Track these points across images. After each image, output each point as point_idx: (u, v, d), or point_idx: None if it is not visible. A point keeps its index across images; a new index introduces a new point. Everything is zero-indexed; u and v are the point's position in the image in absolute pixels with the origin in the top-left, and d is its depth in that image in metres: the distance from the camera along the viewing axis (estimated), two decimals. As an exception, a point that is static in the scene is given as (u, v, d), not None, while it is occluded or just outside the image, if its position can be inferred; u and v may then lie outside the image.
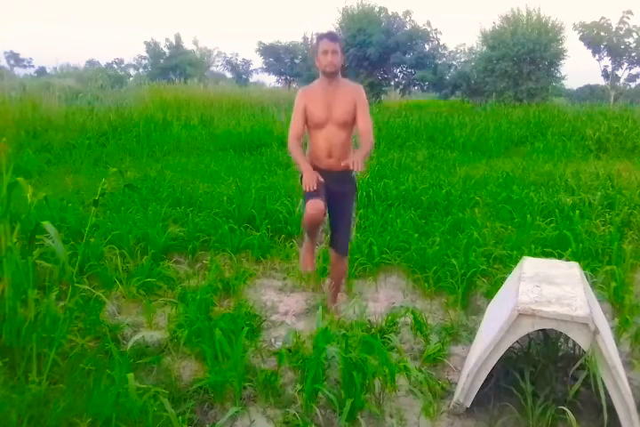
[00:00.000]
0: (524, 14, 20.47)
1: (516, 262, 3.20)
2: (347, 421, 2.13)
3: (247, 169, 7.60)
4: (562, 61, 20.59)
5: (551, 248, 4.01)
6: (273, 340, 2.94)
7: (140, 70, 36.20)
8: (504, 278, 3.15)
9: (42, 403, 2.03)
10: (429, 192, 5.73)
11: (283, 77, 29.93)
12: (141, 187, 5.96)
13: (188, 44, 33.50)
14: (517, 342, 2.31)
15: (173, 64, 31.46)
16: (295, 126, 3.05)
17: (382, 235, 4.38)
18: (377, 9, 22.84)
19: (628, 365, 2.65)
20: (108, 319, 3.03)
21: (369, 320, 3.05)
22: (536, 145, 10.16)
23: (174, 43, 32.60)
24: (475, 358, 2.26)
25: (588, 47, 22.01)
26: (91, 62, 45.84)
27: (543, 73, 20.22)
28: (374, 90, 21.88)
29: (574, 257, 3.67)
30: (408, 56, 22.47)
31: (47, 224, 2.28)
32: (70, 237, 4.04)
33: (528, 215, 4.77)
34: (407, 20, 23.33)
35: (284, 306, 3.46)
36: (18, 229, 2.50)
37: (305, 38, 28.26)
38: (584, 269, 3.13)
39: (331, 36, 3.00)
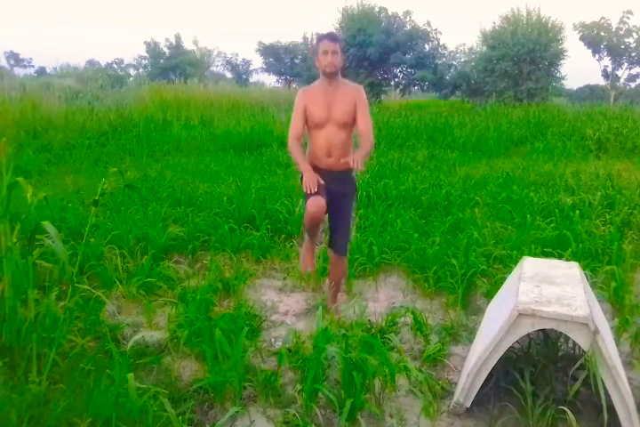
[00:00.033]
0: (524, 14, 20.49)
1: (515, 262, 3.20)
2: (347, 421, 2.13)
3: (247, 169, 7.60)
4: (562, 61, 20.62)
5: (551, 248, 4.01)
6: (273, 340, 2.94)
7: (140, 70, 36.23)
8: (504, 278, 3.15)
9: (42, 403, 2.03)
10: (429, 192, 5.73)
11: (283, 77, 29.94)
12: (141, 187, 5.96)
13: (188, 44, 33.56)
14: (517, 342, 2.31)
15: (173, 64, 31.47)
16: (295, 126, 3.05)
17: (382, 235, 4.38)
18: (377, 9, 22.86)
19: (627, 365, 2.65)
20: (108, 319, 3.03)
21: (369, 320, 3.05)
22: (536, 145, 10.16)
23: (174, 43, 32.61)
24: (475, 358, 2.26)
25: (588, 47, 22.02)
26: (91, 62, 45.90)
27: (543, 73, 20.23)
28: (374, 90, 21.88)
29: (574, 257, 3.67)
30: (408, 56, 22.48)
31: (47, 224, 2.28)
32: (70, 237, 4.04)
33: (528, 215, 4.77)
34: (407, 20, 23.36)
35: (284, 306, 3.46)
36: (18, 229, 2.50)
37: (305, 38, 28.31)
38: (584, 269, 3.13)
39: (331, 37, 3.00)
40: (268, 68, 29.78)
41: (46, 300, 2.50)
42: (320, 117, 3.00)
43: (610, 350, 2.08)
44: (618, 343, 2.76)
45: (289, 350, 2.65)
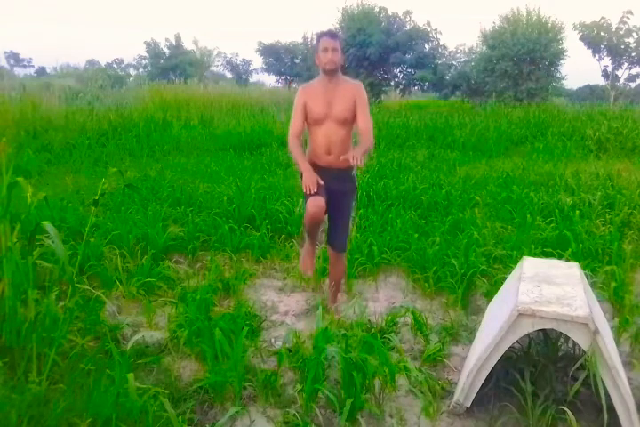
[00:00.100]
0: (524, 14, 20.48)
1: (515, 262, 3.20)
2: (347, 421, 2.13)
3: (247, 169, 7.60)
4: (562, 61, 20.61)
5: (551, 248, 4.01)
6: (273, 340, 2.94)
7: (140, 70, 36.18)
8: (504, 278, 3.15)
9: (42, 403, 2.03)
10: (429, 192, 5.73)
11: (283, 77, 29.93)
12: (141, 187, 5.96)
13: (188, 44, 33.51)
14: (517, 342, 2.31)
15: (173, 64, 31.44)
16: (295, 123, 3.05)
17: (382, 235, 4.38)
18: (377, 9, 22.85)
19: (628, 365, 2.65)
20: (108, 319, 3.02)
21: (369, 320, 3.05)
22: (536, 145, 10.16)
23: (174, 43, 32.58)
24: (475, 358, 2.26)
25: (588, 47, 21.98)
26: (91, 62, 45.81)
27: (543, 73, 20.22)
28: (374, 90, 21.88)
29: (574, 257, 3.67)
30: (408, 56, 22.47)
31: (47, 224, 2.28)
32: (70, 237, 4.04)
33: (528, 215, 4.77)
34: (407, 20, 23.35)
35: (283, 306, 3.46)
36: (18, 229, 2.50)
37: (305, 38, 28.29)
38: (584, 269, 3.13)
39: (331, 34, 3.01)
40: (268, 68, 29.77)
41: (46, 300, 2.50)
42: (319, 114, 2.99)
43: (610, 350, 2.08)
44: (618, 343, 2.76)
45: (289, 350, 2.65)
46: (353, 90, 3.02)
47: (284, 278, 3.92)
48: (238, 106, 16.52)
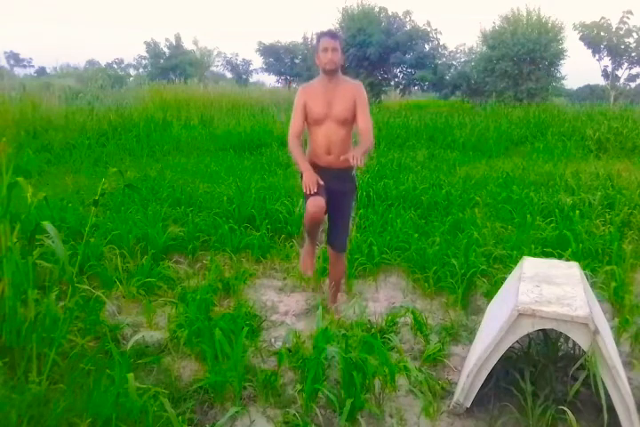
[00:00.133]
0: (524, 14, 20.48)
1: (515, 262, 3.20)
2: (347, 421, 2.13)
3: (247, 169, 7.60)
4: (562, 61, 20.61)
5: (551, 248, 4.01)
6: (273, 340, 2.94)
7: (140, 70, 36.17)
8: (504, 278, 3.15)
9: (42, 403, 2.03)
10: (429, 192, 5.73)
11: (283, 77, 29.93)
12: (141, 187, 5.96)
13: (188, 44, 33.51)
14: (517, 342, 2.31)
15: (173, 64, 31.44)
16: (295, 123, 3.05)
17: (382, 235, 4.38)
18: (377, 9, 22.84)
19: (628, 365, 2.65)
20: (108, 319, 3.02)
21: (369, 320, 3.05)
22: (536, 145, 10.16)
23: (174, 43, 32.58)
24: (475, 358, 2.26)
25: (588, 47, 21.98)
26: (91, 62, 45.80)
27: (543, 73, 20.22)
28: (374, 90, 21.88)
29: (574, 257, 3.67)
30: (408, 56, 22.47)
31: (47, 224, 2.28)
32: (70, 237, 4.04)
33: (528, 215, 4.77)
34: (407, 20, 23.35)
35: (283, 306, 3.46)
36: (18, 229, 2.50)
37: (305, 38, 28.29)
38: (584, 269, 3.13)
39: (331, 34, 3.01)
40: (268, 68, 29.76)
41: (46, 300, 2.50)
42: (319, 114, 2.99)
43: (610, 350, 2.08)
44: (618, 343, 2.76)
45: (289, 350, 2.65)
46: (353, 90, 3.01)
47: (284, 278, 3.92)
48: (238, 106, 16.52)
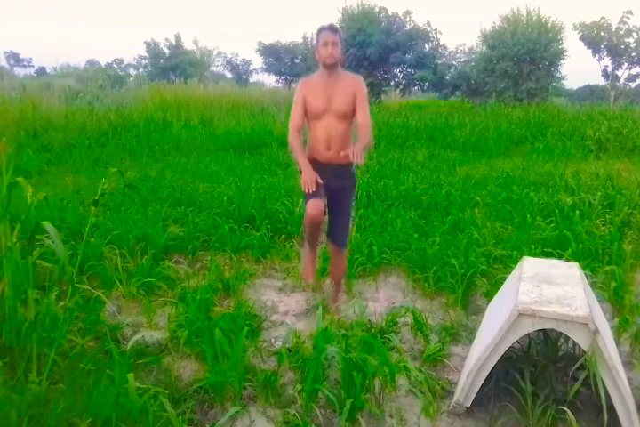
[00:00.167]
0: (524, 14, 20.49)
1: (515, 262, 3.20)
2: (347, 421, 2.13)
3: (247, 169, 7.60)
4: (562, 61, 20.62)
5: (551, 248, 4.01)
6: (273, 340, 2.94)
7: (140, 70, 36.16)
8: (504, 278, 3.15)
9: (42, 403, 2.03)
10: (429, 192, 5.73)
11: (283, 77, 29.92)
12: (141, 187, 5.96)
13: (188, 44, 33.50)
14: (517, 342, 2.31)
15: (173, 64, 31.44)
16: (295, 117, 3.05)
17: (382, 235, 4.38)
18: (377, 9, 22.86)
19: (628, 365, 2.65)
20: (108, 319, 3.02)
21: (369, 320, 3.05)
22: (536, 145, 10.16)
23: (174, 43, 32.58)
24: (475, 358, 2.26)
25: (588, 47, 21.98)
26: (91, 62, 45.79)
27: (543, 73, 20.23)
28: (374, 90, 21.87)
29: (574, 257, 3.67)
30: (408, 56, 22.48)
31: (47, 224, 2.28)
32: (70, 237, 4.04)
33: (528, 215, 4.77)
34: (407, 20, 23.36)
35: (283, 306, 3.46)
36: (18, 229, 2.50)
37: (305, 38, 28.26)
38: (584, 269, 3.13)
39: (331, 28, 3.00)
40: (268, 68, 29.76)
41: (46, 300, 2.50)
42: (319, 108, 2.99)
43: (610, 350, 2.08)
44: (618, 343, 2.76)
45: (289, 350, 2.65)
46: (353, 84, 3.01)
47: (284, 278, 3.92)
48: (238, 106, 16.52)
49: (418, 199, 5.51)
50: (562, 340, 2.63)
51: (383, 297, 3.62)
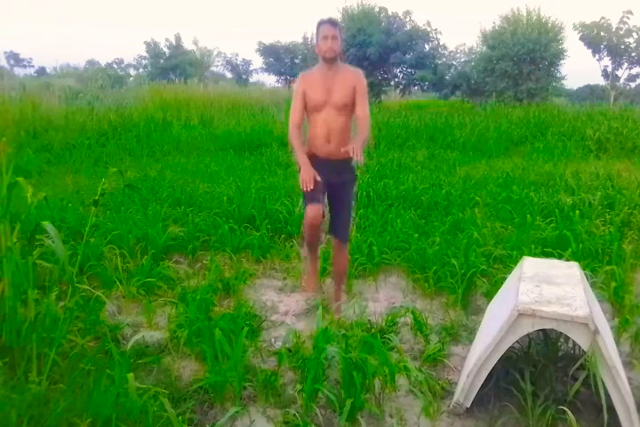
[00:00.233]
0: (524, 14, 20.46)
1: (515, 262, 3.20)
2: (347, 421, 2.13)
3: (247, 169, 7.60)
4: (562, 61, 20.59)
5: (551, 248, 4.01)
6: (273, 340, 2.94)
7: (140, 70, 36.13)
8: (504, 278, 3.15)
9: (42, 403, 2.03)
10: (429, 192, 5.73)
11: (283, 77, 29.89)
12: (141, 187, 5.96)
13: (188, 44, 33.46)
14: (517, 342, 2.31)
15: (173, 64, 31.42)
16: (295, 112, 3.05)
17: (382, 235, 4.38)
18: (377, 9, 22.84)
19: (628, 365, 2.65)
20: (108, 319, 3.02)
21: (369, 320, 3.05)
22: (536, 145, 10.16)
23: (174, 43, 32.56)
24: (475, 358, 2.26)
25: (588, 47, 21.97)
26: (91, 62, 45.72)
27: (543, 73, 20.22)
28: (374, 90, 21.84)
29: (574, 257, 3.67)
30: (408, 56, 22.47)
31: (47, 224, 2.28)
32: (70, 237, 4.03)
33: (528, 215, 4.77)
34: (407, 20, 23.35)
35: (283, 306, 3.46)
36: (18, 229, 2.50)
37: (305, 38, 28.21)
38: (584, 269, 3.13)
39: (331, 22, 3.01)
40: (268, 68, 29.74)
41: (46, 300, 2.50)
42: (318, 101, 2.99)
43: (610, 350, 2.08)
44: (618, 343, 2.76)
45: (289, 350, 2.65)
46: (353, 77, 3.02)
47: (284, 278, 3.92)
48: (238, 106, 16.51)
49: (418, 199, 5.51)
50: (562, 340, 2.63)
51: (383, 297, 3.62)
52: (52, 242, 2.29)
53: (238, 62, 35.27)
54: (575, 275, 2.60)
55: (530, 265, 2.76)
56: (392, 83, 24.35)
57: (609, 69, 22.54)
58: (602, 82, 24.94)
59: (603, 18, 21.36)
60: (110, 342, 2.49)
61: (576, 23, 21.71)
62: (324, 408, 2.29)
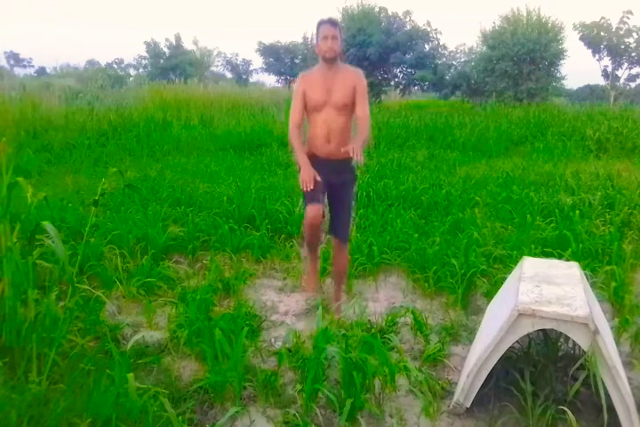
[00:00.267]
0: (524, 14, 20.47)
1: (515, 262, 3.20)
2: (347, 421, 2.13)
3: (247, 169, 7.60)
4: (562, 61, 20.60)
5: (551, 248, 4.01)
6: (273, 340, 2.94)
7: (140, 70, 36.12)
8: (504, 278, 3.15)
9: (42, 403, 2.03)
10: (429, 192, 5.73)
11: (283, 77, 29.88)
12: (141, 187, 5.96)
13: (188, 44, 33.46)
14: (517, 342, 2.31)
15: (173, 64, 31.42)
16: (295, 111, 3.05)
17: (382, 235, 4.38)
18: (377, 9, 22.84)
19: (628, 365, 2.65)
20: (108, 319, 3.02)
21: (369, 320, 3.05)
22: (536, 145, 10.16)
23: (174, 43, 32.55)
24: (475, 358, 2.26)
25: (588, 47, 21.97)
26: (91, 62, 45.72)
27: (543, 73, 20.22)
28: (374, 90, 21.83)
29: (574, 257, 3.67)
30: (408, 56, 22.47)
31: (47, 224, 2.28)
32: (70, 237, 4.03)
33: (528, 215, 4.77)
34: (407, 20, 23.35)
35: (283, 306, 3.46)
36: (18, 229, 2.50)
37: (305, 38, 28.21)
38: (584, 269, 3.13)
39: (331, 22, 3.01)
40: (268, 68, 29.73)
41: (46, 300, 2.50)
42: (318, 100, 2.99)
43: (610, 350, 2.08)
44: (618, 343, 2.76)
45: (289, 350, 2.65)
46: (353, 77, 3.02)
47: (284, 278, 3.92)
48: (238, 106, 16.51)
49: (418, 199, 5.51)
50: (562, 340, 2.63)
51: (383, 297, 3.62)
52: (52, 242, 2.29)
53: (238, 62, 35.28)
54: (575, 275, 2.60)
55: (530, 265, 2.76)
56: (392, 83, 24.35)
57: (609, 69, 22.55)
58: (602, 82, 24.96)
59: (603, 18, 21.38)
60: (110, 342, 2.49)
61: (576, 23, 21.74)
62: (324, 408, 2.29)
